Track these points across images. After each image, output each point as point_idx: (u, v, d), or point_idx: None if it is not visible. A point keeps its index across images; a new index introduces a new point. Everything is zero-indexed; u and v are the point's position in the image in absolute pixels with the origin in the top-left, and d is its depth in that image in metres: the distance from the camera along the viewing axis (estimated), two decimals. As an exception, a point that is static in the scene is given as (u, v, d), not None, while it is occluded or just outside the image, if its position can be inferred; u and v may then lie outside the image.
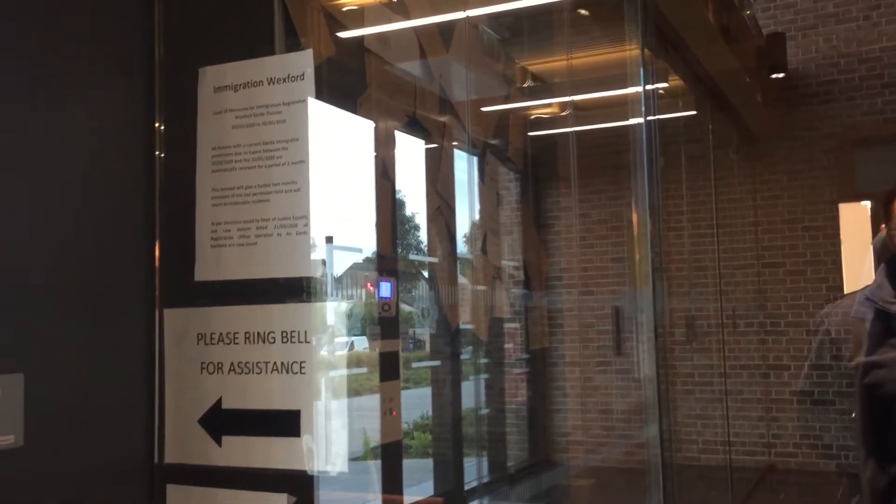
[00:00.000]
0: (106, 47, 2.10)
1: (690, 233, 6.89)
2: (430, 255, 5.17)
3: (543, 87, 6.80)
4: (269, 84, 2.06)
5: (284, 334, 2.00)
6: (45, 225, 1.89)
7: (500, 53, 6.26)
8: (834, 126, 6.71)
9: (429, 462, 5.85)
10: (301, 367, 1.97)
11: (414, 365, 6.21)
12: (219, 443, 2.05)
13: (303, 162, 2.01)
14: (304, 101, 2.02)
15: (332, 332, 2.07)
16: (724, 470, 6.65)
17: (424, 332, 6.34)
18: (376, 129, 4.12)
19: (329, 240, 3.62)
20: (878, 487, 2.38)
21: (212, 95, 2.15)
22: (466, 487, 5.73)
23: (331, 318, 2.07)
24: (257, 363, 2.02)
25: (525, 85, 6.67)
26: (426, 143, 4.87)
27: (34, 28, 1.90)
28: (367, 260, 4.64)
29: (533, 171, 7.19)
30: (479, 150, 5.58)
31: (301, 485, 1.99)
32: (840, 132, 6.68)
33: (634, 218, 3.14)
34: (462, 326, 5.47)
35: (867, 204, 6.36)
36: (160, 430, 2.12)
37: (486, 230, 5.54)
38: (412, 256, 6.80)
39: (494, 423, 6.92)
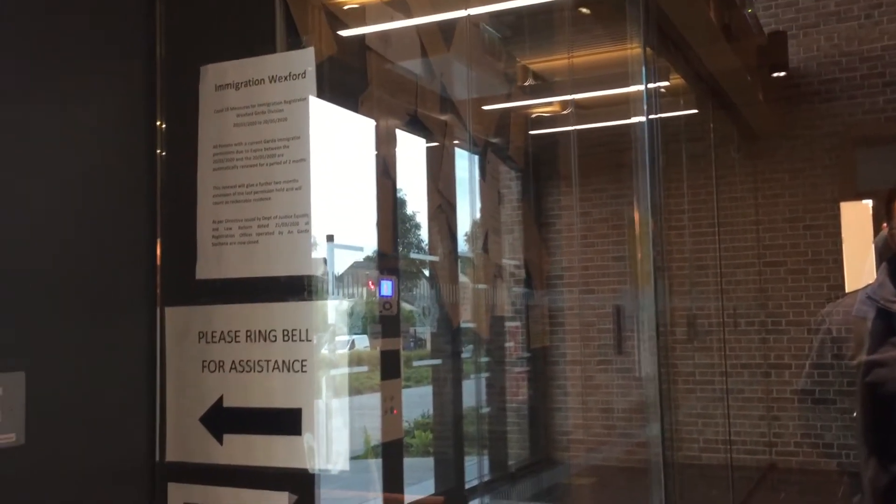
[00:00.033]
0: (107, 46, 2.10)
1: (691, 231, 6.88)
2: (431, 254, 5.17)
3: (544, 85, 6.80)
4: (270, 82, 2.06)
5: (286, 333, 1.99)
6: (46, 223, 1.89)
7: (502, 52, 6.26)
8: (835, 125, 6.71)
9: (430, 461, 5.85)
10: (302, 366, 1.97)
11: (415, 363, 6.21)
12: (220, 441, 2.05)
13: (304, 160, 2.00)
14: (306, 100, 2.01)
15: (334, 331, 2.07)
16: (725, 469, 6.65)
17: (425, 331, 6.35)
18: (377, 127, 4.12)
19: (330, 238, 3.62)
20: (880, 486, 2.38)
21: (213, 93, 2.15)
22: (467, 486, 5.73)
23: (332, 317, 2.07)
24: (258, 361, 2.02)
25: (526, 83, 6.67)
26: (427, 142, 4.87)
27: (35, 27, 1.90)
28: (367, 258, 4.64)
29: (534, 170, 7.19)
30: (480, 148, 5.58)
31: (302, 483, 1.99)
32: (841, 131, 6.67)
33: (636, 217, 3.13)
34: (463, 325, 5.47)
35: (868, 203, 6.36)
36: (161, 429, 2.12)
37: (487, 229, 5.54)
38: (413, 255, 6.80)
39: (495, 421, 6.92)
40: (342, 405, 2.10)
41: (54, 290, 1.89)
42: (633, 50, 3.57)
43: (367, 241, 4.31)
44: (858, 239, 6.38)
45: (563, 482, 7.25)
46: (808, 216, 6.73)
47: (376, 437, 4.08)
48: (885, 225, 2.60)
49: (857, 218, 6.45)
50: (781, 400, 6.72)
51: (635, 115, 3.27)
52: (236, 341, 2.06)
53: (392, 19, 4.20)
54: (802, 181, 6.78)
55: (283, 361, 1.99)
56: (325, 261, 2.08)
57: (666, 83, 5.67)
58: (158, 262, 2.16)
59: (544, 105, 6.78)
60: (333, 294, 4.16)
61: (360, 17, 3.94)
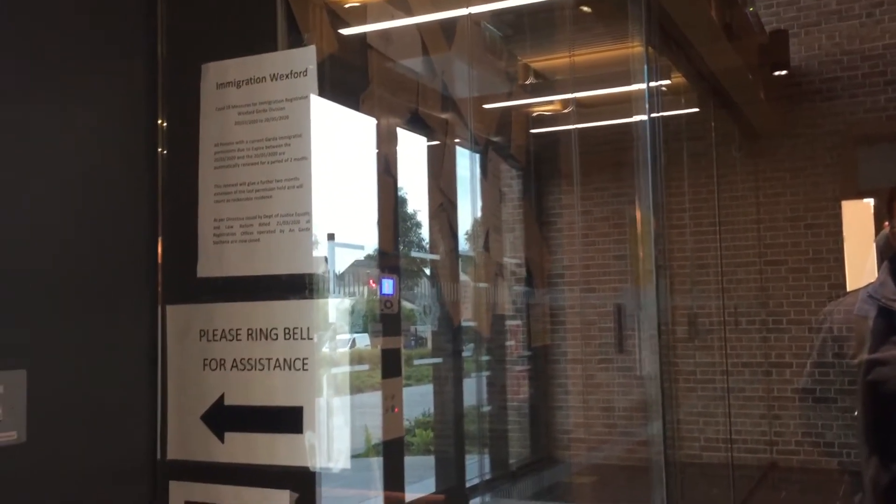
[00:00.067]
0: (108, 45, 2.10)
1: (693, 230, 6.88)
2: (432, 252, 5.17)
3: (546, 84, 6.79)
4: (271, 80, 2.06)
5: (287, 331, 1.99)
6: (48, 222, 1.89)
7: (503, 50, 6.26)
8: (836, 123, 6.71)
9: (430, 459, 5.85)
10: (303, 364, 1.97)
11: (416, 362, 6.21)
12: (221, 439, 2.05)
13: (305, 158, 2.00)
14: (307, 98, 2.01)
15: (335, 329, 2.07)
16: (725, 468, 6.65)
17: (426, 330, 6.34)
18: (378, 125, 4.11)
19: (331, 237, 3.63)
20: (881, 485, 2.37)
21: (214, 92, 2.15)
22: (468, 484, 5.74)
23: (333, 315, 2.07)
24: (260, 360, 2.02)
25: (527, 82, 6.67)
26: (428, 140, 4.87)
27: (36, 27, 1.90)
28: (368, 257, 4.64)
29: (535, 169, 7.19)
30: (481, 147, 5.58)
31: (303, 481, 1.99)
32: (843, 129, 6.67)
33: (638, 215, 3.13)
34: (464, 323, 5.47)
35: (870, 201, 6.36)
36: (163, 427, 2.12)
37: (488, 227, 5.54)
38: (414, 253, 6.80)
39: (496, 420, 6.92)
40: (343, 403, 2.10)
41: (55, 289, 1.89)
42: (634, 48, 3.57)
43: (368, 239, 4.31)
44: (860, 237, 6.37)
45: (563, 481, 7.25)
46: (810, 215, 6.73)
47: (377, 436, 4.08)
48: (886, 223, 2.59)
49: (858, 216, 6.45)
50: (782, 399, 6.72)
51: (637, 114, 3.26)
52: (237, 339, 2.06)
53: (393, 18, 4.20)
54: (804, 180, 6.77)
55: (285, 360, 1.99)
56: (325, 259, 2.08)
57: (667, 81, 5.67)
58: (160, 260, 2.16)
59: (545, 103, 6.78)
60: (334, 292, 4.16)
61: (361, 15, 3.94)
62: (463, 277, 5.39)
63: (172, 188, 2.18)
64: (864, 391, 2.43)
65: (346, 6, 3.82)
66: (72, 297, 1.93)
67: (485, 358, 6.46)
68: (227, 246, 2.09)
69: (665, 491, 3.23)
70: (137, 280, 2.12)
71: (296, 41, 2.22)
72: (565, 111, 6.64)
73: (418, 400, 6.51)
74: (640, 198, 3.13)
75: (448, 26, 4.74)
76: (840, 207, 6.59)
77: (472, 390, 6.25)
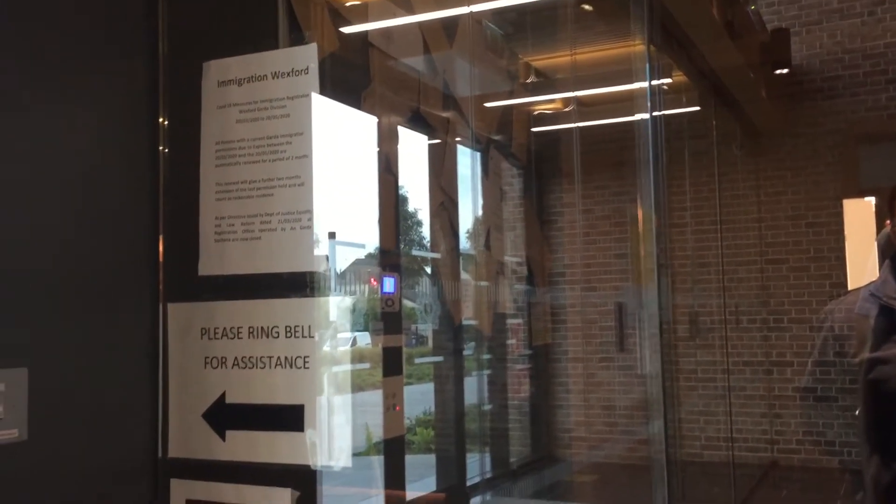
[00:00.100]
0: (109, 44, 2.10)
1: (694, 229, 6.88)
2: (432, 251, 5.17)
3: (547, 82, 6.79)
4: (273, 78, 2.06)
5: (288, 329, 1.99)
6: (49, 221, 1.89)
7: (504, 49, 6.25)
8: (838, 122, 6.70)
9: (431, 458, 5.85)
10: (305, 362, 1.97)
11: (417, 360, 6.21)
12: (223, 437, 2.05)
13: (306, 156, 2.00)
14: (308, 96, 2.01)
15: (336, 328, 2.07)
16: (726, 466, 6.65)
17: (427, 328, 6.34)
18: (380, 124, 4.11)
19: (332, 235, 3.62)
20: (882, 484, 2.37)
21: (216, 89, 2.14)
22: (469, 483, 5.74)
23: (334, 314, 2.07)
24: (261, 358, 2.02)
25: (528, 80, 6.66)
26: (429, 139, 4.87)
27: (37, 26, 1.90)
28: (369, 255, 4.63)
29: (536, 167, 7.19)
30: (482, 145, 5.57)
31: (304, 479, 1.99)
32: (844, 128, 6.66)
33: (639, 214, 3.13)
34: (465, 322, 5.46)
35: (871, 200, 6.35)
36: (164, 425, 2.12)
37: (489, 226, 5.54)
38: (415, 252, 6.79)
39: (497, 418, 6.92)
40: (344, 402, 2.10)
41: (57, 287, 1.89)
42: (636, 47, 3.57)
43: (369, 237, 4.31)
44: (861, 236, 6.37)
45: (564, 479, 7.25)
46: (811, 213, 6.73)
47: (378, 434, 4.07)
48: (887, 222, 2.59)
49: (859, 215, 6.44)
50: (783, 397, 6.72)
51: (638, 112, 3.26)
52: (239, 338, 2.06)
53: (394, 16, 4.19)
54: (805, 178, 6.77)
55: (286, 358, 1.99)
56: (326, 257, 2.08)
57: (668, 80, 5.67)
58: (161, 258, 2.16)
59: (547, 102, 6.78)
60: (336, 291, 4.16)
61: (362, 13, 3.94)
62: (464, 276, 5.39)
63: (173, 186, 2.18)
64: (865, 390, 2.43)
65: (348, 4, 3.81)
66: (73, 296, 1.93)
67: (486, 356, 6.46)
68: (229, 244, 2.09)
69: (667, 490, 3.23)
70: (139, 278, 2.12)
71: (297, 39, 2.22)
72: (566, 110, 6.64)
73: (419, 398, 6.51)
74: (641, 196, 3.12)
75: (449, 24, 4.73)
76: (841, 206, 6.58)
77: (473, 389, 6.25)
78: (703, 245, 6.88)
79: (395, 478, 4.36)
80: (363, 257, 4.79)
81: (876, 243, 3.03)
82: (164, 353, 2.14)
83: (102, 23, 2.07)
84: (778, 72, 6.67)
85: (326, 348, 2.01)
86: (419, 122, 4.61)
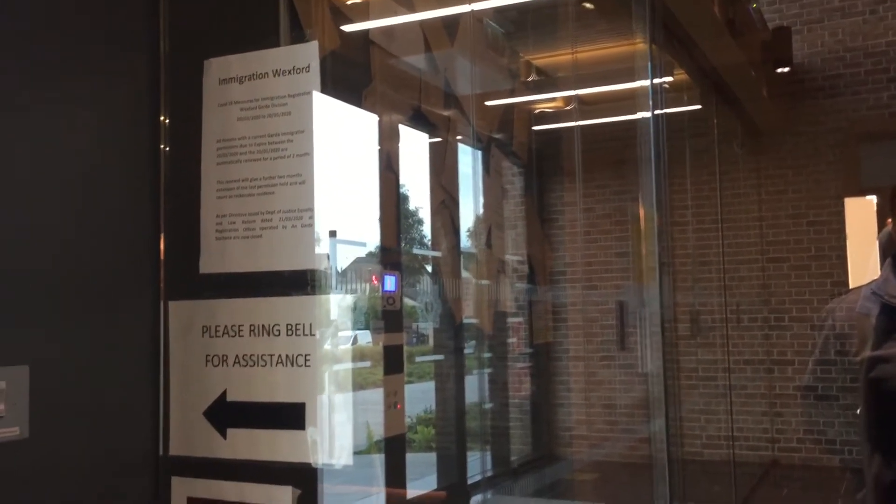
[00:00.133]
0: (110, 41, 2.09)
1: (695, 227, 6.88)
2: (433, 249, 5.17)
3: (548, 81, 6.79)
4: (274, 76, 2.06)
5: (289, 327, 1.99)
6: (50, 219, 1.89)
7: (505, 47, 6.25)
8: (839, 120, 6.70)
9: (432, 456, 5.85)
10: (306, 360, 1.97)
11: (417, 359, 6.21)
12: (224, 435, 2.05)
13: (308, 154, 2.00)
14: (310, 94, 2.01)
15: (337, 326, 2.07)
16: (727, 465, 6.65)
17: (428, 327, 6.34)
18: (380, 122, 4.11)
19: (333, 233, 3.62)
20: (884, 483, 2.37)
21: (217, 87, 2.14)
22: (470, 481, 5.74)
23: (335, 312, 2.07)
24: (262, 356, 2.02)
25: (529, 79, 6.66)
26: (430, 137, 4.87)
27: (37, 23, 1.90)
28: (370, 254, 4.63)
29: (537, 166, 7.19)
30: (483, 143, 5.57)
31: (305, 477, 1.98)
32: (845, 126, 6.66)
33: (641, 212, 3.13)
34: (466, 321, 5.46)
35: (873, 198, 6.35)
36: (165, 423, 2.12)
37: (490, 224, 5.54)
38: (416, 250, 6.80)
39: (498, 417, 6.92)
40: (345, 400, 2.10)
41: (58, 286, 1.89)
42: (637, 45, 3.57)
43: (370, 236, 4.31)
44: (862, 235, 6.37)
45: (565, 478, 7.25)
46: (812, 212, 6.72)
47: (379, 432, 4.07)
48: (889, 221, 2.59)
49: (861, 214, 6.44)
50: (784, 396, 6.72)
51: (641, 111, 3.26)
52: (240, 335, 2.06)
53: (395, 14, 4.19)
54: (806, 177, 6.77)
55: (287, 356, 1.99)
56: (327, 256, 2.08)
57: (669, 78, 5.66)
58: (162, 256, 2.16)
59: (548, 100, 6.77)
60: (336, 289, 4.16)
61: (363, 11, 3.94)
62: (465, 274, 5.39)
63: (174, 184, 2.18)
64: (866, 388, 2.43)
65: (349, 2, 3.81)
66: (74, 294, 1.93)
67: (487, 355, 6.46)
68: (230, 242, 2.09)
69: (668, 488, 3.23)
70: (140, 276, 2.12)
71: (298, 37, 2.21)
72: (568, 108, 6.64)
73: (420, 397, 6.51)
74: (643, 195, 3.12)
75: (450, 23, 4.73)
76: (843, 205, 6.58)
77: (474, 387, 6.26)
78: (704, 243, 6.88)
79: (395, 476, 4.36)
80: (364, 255, 4.79)
81: (877, 242, 3.03)
82: (165, 351, 2.14)
83: (103, 21, 2.07)
84: (779, 70, 6.67)
85: (327, 346, 2.01)
86: (420, 121, 4.60)
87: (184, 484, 2.10)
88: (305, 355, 1.97)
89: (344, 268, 4.82)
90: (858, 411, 2.52)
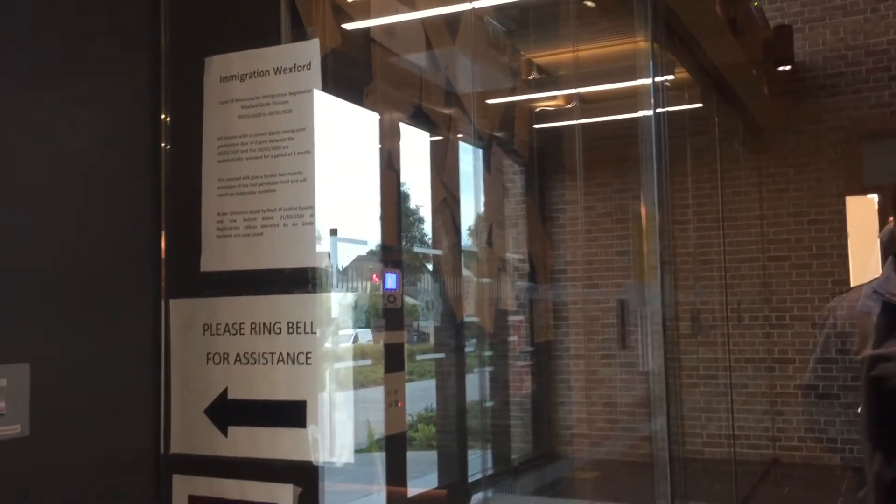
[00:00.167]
0: (111, 39, 2.09)
1: (696, 226, 6.88)
2: (434, 248, 5.17)
3: (549, 79, 6.78)
4: (275, 74, 2.05)
5: (290, 325, 1.99)
6: (52, 216, 1.89)
7: (506, 45, 6.25)
8: (841, 119, 6.69)
9: (433, 454, 5.85)
10: (307, 358, 1.97)
11: (418, 357, 6.22)
12: (225, 433, 2.05)
13: (309, 152, 2.00)
14: (311, 92, 2.01)
15: (338, 324, 2.06)
16: (728, 463, 6.65)
17: (429, 325, 6.35)
18: (381, 120, 4.11)
19: (334, 231, 3.62)
20: (885, 481, 2.37)
21: (218, 85, 2.14)
22: (470, 480, 5.74)
23: (336, 310, 2.07)
24: (263, 354, 2.02)
25: (531, 77, 6.66)
26: (431, 135, 4.86)
27: (38, 21, 1.89)
28: (371, 252, 4.63)
29: (538, 164, 7.19)
30: (484, 142, 5.57)
31: (306, 475, 1.98)
32: (847, 125, 6.66)
33: (643, 210, 3.13)
34: (467, 319, 5.47)
35: (874, 197, 6.35)
36: (166, 421, 2.12)
37: (491, 222, 5.54)
38: (417, 249, 6.80)
39: (499, 415, 6.93)
40: (346, 398, 2.10)
41: (59, 284, 1.89)
42: (639, 44, 3.56)
43: (371, 234, 4.31)
44: (863, 233, 6.37)
45: (566, 476, 7.26)
46: (813, 210, 6.72)
47: (380, 431, 4.08)
48: (890, 219, 2.58)
49: (862, 212, 6.44)
50: (785, 395, 6.72)
51: (643, 109, 3.25)
52: (241, 333, 2.05)
53: (397, 12, 4.19)
54: (807, 175, 6.76)
55: (288, 354, 1.99)
56: (328, 254, 2.08)
57: (671, 77, 5.66)
58: (163, 254, 2.16)
59: (549, 99, 6.77)
60: (337, 287, 4.16)
61: (364, 9, 3.94)
62: (466, 273, 5.39)
63: (176, 182, 2.18)
64: (867, 387, 2.42)
65: (350, 0, 3.81)
66: (75, 293, 1.93)
67: (487, 353, 6.46)
68: (231, 240, 2.09)
69: (669, 487, 3.23)
70: (141, 274, 2.12)
71: (299, 35, 2.21)
72: (568, 106, 6.63)
73: (421, 395, 6.52)
74: (644, 193, 3.12)
75: (451, 21, 4.73)
76: (844, 203, 6.58)
77: (475, 386, 6.26)
78: (705, 242, 6.88)
79: (396, 474, 4.36)
80: (365, 254, 4.80)
81: (878, 240, 3.03)
82: (166, 349, 2.14)
83: (103, 19, 2.07)
84: (780, 68, 6.67)
85: (328, 345, 2.00)
86: (421, 119, 4.60)
87: (185, 482, 2.10)
88: (306, 353, 1.97)
89: (345, 266, 4.82)
90: (859, 410, 2.52)
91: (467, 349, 5.75)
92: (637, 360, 6.98)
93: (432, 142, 4.85)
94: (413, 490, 4.86)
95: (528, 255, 6.80)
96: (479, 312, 5.66)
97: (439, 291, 5.29)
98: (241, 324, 2.05)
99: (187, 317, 2.13)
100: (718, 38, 5.32)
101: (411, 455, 5.66)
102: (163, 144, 2.18)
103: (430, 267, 5.67)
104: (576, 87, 6.42)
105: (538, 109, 6.76)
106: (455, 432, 5.58)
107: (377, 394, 3.92)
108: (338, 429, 2.00)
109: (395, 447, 4.28)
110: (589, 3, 5.32)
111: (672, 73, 5.64)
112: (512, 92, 6.28)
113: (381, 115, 4.10)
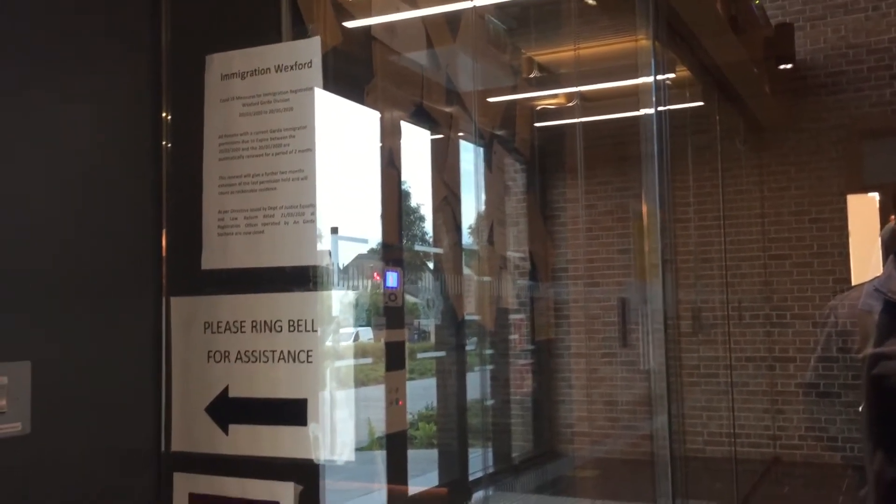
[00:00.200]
0: (111, 37, 2.09)
1: (697, 224, 6.87)
2: (435, 246, 5.17)
3: (550, 77, 6.78)
4: (276, 71, 2.05)
5: (291, 323, 1.99)
6: (53, 216, 1.89)
7: (507, 44, 6.25)
8: (842, 117, 6.69)
9: (433, 452, 5.86)
10: (308, 356, 1.97)
11: (419, 356, 6.21)
12: (225, 431, 2.05)
13: (310, 150, 2.00)
14: (312, 89, 2.01)
15: (338, 322, 2.06)
16: (729, 462, 6.65)
17: (429, 323, 6.35)
18: (382, 118, 4.10)
19: (335, 229, 3.62)
20: (886, 480, 2.37)
21: (219, 83, 2.14)
22: (471, 478, 5.74)
23: (337, 308, 2.07)
24: (264, 352, 2.02)
25: (532, 75, 6.65)
26: (432, 133, 4.86)
27: (38, 20, 1.89)
28: (372, 250, 4.63)
29: (539, 162, 7.18)
30: (485, 140, 5.57)
31: (307, 473, 1.99)
32: (848, 123, 6.65)
33: (644, 209, 3.12)
34: (468, 317, 5.46)
35: (875, 195, 6.34)
36: (167, 419, 2.12)
37: (492, 221, 5.53)
38: (418, 247, 6.80)
39: (499, 413, 6.93)
40: (347, 396, 2.09)
41: (60, 282, 1.89)
42: (641, 42, 3.56)
43: (372, 232, 4.31)
44: (865, 232, 6.36)
45: (566, 474, 7.26)
46: (814, 209, 6.72)
47: (381, 429, 4.08)
48: (892, 217, 2.58)
49: (863, 211, 6.43)
50: (786, 393, 6.72)
51: (644, 108, 3.25)
52: (242, 331, 2.06)
53: (398, 10, 4.18)
54: (808, 174, 6.76)
55: (289, 352, 1.99)
56: (329, 252, 2.08)
57: (672, 75, 5.65)
58: (164, 252, 2.16)
59: (550, 97, 6.77)
60: (338, 285, 4.15)
61: (365, 7, 3.93)
62: (467, 271, 5.39)
63: (176, 181, 2.18)
64: (868, 385, 2.42)
65: (351, -2, 3.81)
66: (76, 290, 1.93)
67: (488, 352, 6.46)
68: (232, 238, 2.09)
69: (671, 485, 3.23)
70: (142, 272, 2.12)
71: (300, 33, 2.21)
72: (569, 105, 6.63)
73: (421, 393, 6.52)
74: (645, 191, 3.12)
75: (452, 19, 4.73)
76: (845, 201, 6.58)
77: (476, 384, 6.26)
78: (706, 240, 6.87)
79: (397, 472, 4.36)
80: (366, 252, 4.79)
81: (880, 239, 3.02)
82: (167, 347, 2.14)
83: (104, 17, 2.06)
84: (782, 67, 6.66)
85: (329, 343, 2.00)
86: (422, 117, 4.60)
87: (186, 480, 2.10)
88: (307, 351, 1.97)
89: (346, 264, 4.82)
90: (860, 408, 2.52)
91: (468, 347, 5.75)
92: (638, 358, 6.98)
93: (433, 140, 4.85)
94: (414, 488, 4.86)
95: (529, 254, 6.80)
96: (479, 311, 5.66)
97: (440, 290, 5.29)
98: (241, 322, 2.05)
99: (188, 315, 2.13)
100: (720, 37, 5.32)
101: (412, 453, 5.66)
102: (163, 142, 2.18)
103: (430, 265, 5.67)
104: (577, 86, 6.42)
105: (539, 108, 6.75)
106: (456, 430, 5.59)
107: (378, 392, 3.92)
108: (339, 427, 1.99)
109: (395, 445, 4.28)
110: (590, 1, 5.32)
111: (673, 71, 5.64)
112: (513, 90, 6.28)
113: (382, 113, 4.10)
